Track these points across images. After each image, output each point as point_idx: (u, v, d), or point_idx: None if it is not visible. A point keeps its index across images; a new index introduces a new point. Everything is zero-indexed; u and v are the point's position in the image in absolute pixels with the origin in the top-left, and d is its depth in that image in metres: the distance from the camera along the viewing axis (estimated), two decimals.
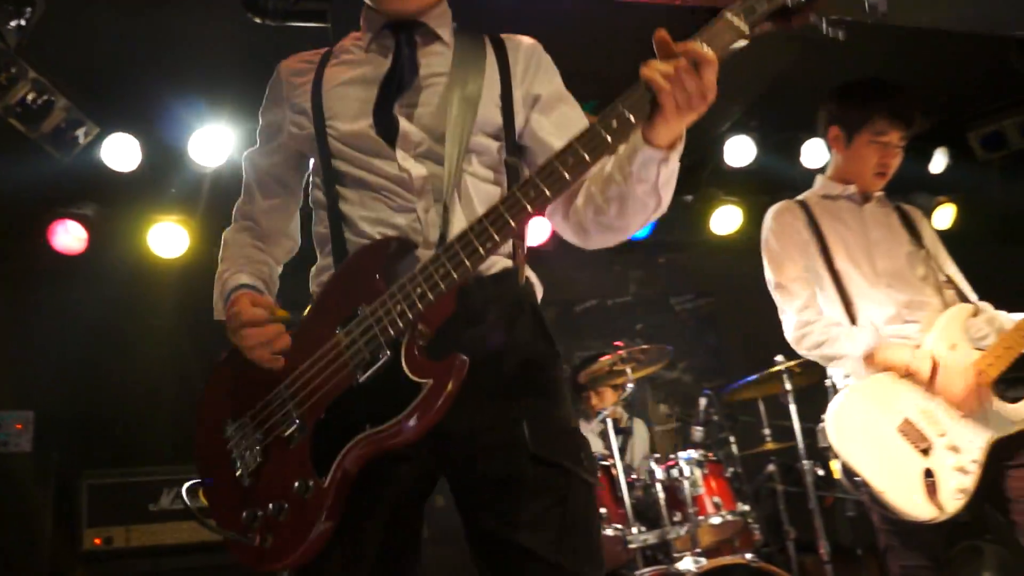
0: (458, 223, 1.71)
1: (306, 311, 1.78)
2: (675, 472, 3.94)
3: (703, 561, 3.59)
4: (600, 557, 1.68)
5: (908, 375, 2.70)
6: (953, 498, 2.51)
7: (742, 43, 1.53)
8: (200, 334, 5.44)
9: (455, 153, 1.74)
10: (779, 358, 4.26)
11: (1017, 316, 2.78)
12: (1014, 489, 2.59)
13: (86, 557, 4.35)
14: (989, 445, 2.57)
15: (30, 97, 4.18)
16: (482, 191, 1.81)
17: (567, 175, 1.51)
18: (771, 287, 3.00)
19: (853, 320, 2.85)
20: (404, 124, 1.79)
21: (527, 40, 1.96)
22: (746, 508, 3.99)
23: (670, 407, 5.26)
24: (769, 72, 4.92)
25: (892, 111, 2.95)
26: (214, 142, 4.85)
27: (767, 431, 4.76)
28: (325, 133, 1.84)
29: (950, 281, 2.94)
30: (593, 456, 1.78)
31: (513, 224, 1.53)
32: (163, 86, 4.55)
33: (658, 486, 3.93)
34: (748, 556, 3.66)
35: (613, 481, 3.96)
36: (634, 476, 4.06)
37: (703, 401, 4.39)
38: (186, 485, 1.76)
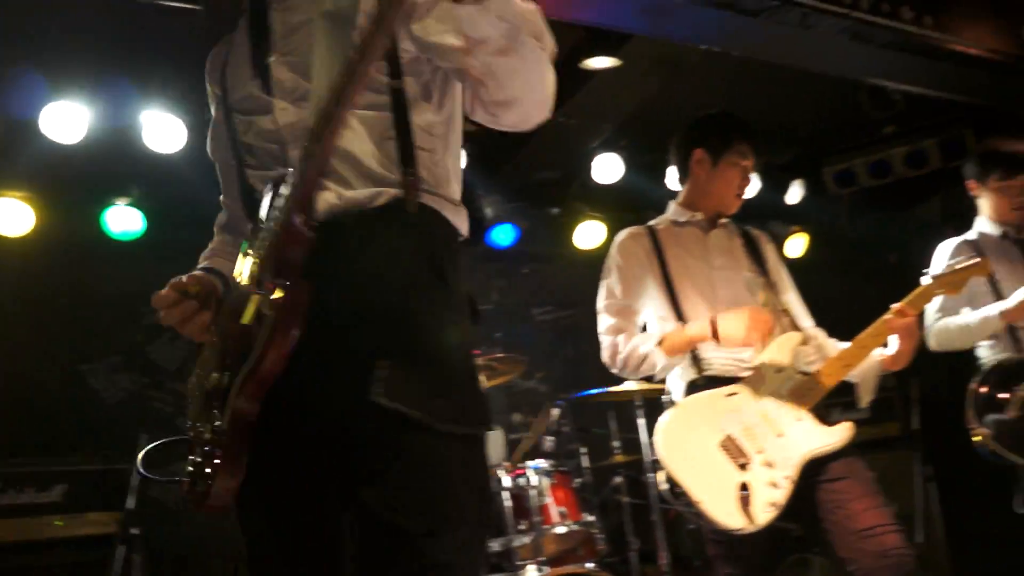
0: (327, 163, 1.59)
1: None
2: (522, 481, 3.97)
3: (546, 570, 3.63)
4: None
5: (732, 393, 2.82)
6: (763, 511, 2.61)
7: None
8: (40, 318, 5.18)
9: (325, 87, 1.56)
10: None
11: (842, 345, 2.93)
12: (824, 502, 2.71)
13: None
14: (803, 462, 2.70)
15: None
16: (369, 121, 1.68)
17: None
18: (600, 307, 3.10)
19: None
20: (277, 71, 1.73)
21: None
22: (591, 519, 4.07)
23: (525, 416, 5.30)
24: (639, 93, 5.04)
25: (751, 138, 3.13)
26: (68, 117, 4.61)
27: (616, 443, 4.86)
28: (230, 111, 1.81)
29: (787, 310, 3.07)
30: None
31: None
32: (14, 56, 4.30)
33: (505, 494, 3.95)
34: (589, 565, 3.72)
35: None
36: None
37: (554, 412, 4.44)
38: None
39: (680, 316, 2.97)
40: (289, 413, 1.60)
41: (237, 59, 1.84)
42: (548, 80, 1.66)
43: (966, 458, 3.63)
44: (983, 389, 3.56)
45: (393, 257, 1.64)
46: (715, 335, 2.79)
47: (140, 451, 4.12)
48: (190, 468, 1.67)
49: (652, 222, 3.21)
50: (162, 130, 4.72)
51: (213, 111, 1.93)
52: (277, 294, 1.51)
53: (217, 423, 1.59)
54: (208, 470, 1.59)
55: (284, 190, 1.57)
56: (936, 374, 3.89)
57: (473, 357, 1.75)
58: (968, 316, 3.63)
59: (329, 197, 1.63)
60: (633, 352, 2.93)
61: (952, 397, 3.70)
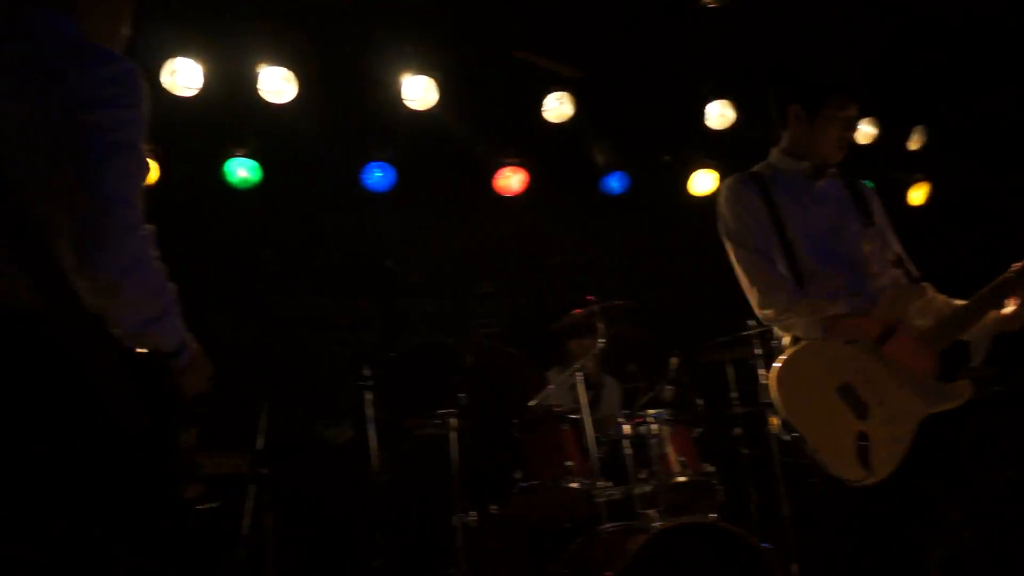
0: None
1: None
2: (643, 429, 3.93)
3: (666, 519, 3.58)
4: None
5: (858, 339, 2.71)
6: (883, 463, 2.53)
7: None
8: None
9: None
10: (751, 323, 4.25)
11: (955, 302, 2.81)
12: (947, 461, 2.65)
13: None
14: (923, 417, 2.61)
15: None
16: None
17: None
18: (733, 260, 2.98)
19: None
20: None
21: None
22: (711, 469, 4.00)
23: (639, 366, 5.23)
24: (757, 34, 4.88)
25: (850, 87, 2.96)
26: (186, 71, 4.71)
27: (734, 394, 4.77)
28: None
29: (899, 260, 2.94)
30: None
31: None
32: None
33: (626, 442, 3.92)
34: (712, 516, 3.65)
35: (581, 435, 3.94)
36: (603, 431, 4.05)
37: (674, 361, 4.37)
38: None
39: (793, 264, 2.86)
40: None
41: None
42: None
43: None
44: None
45: None
46: (882, 338, 2.68)
47: (265, 395, 4.23)
48: None
49: (756, 168, 3.09)
50: (275, 82, 4.79)
51: None
52: None
53: None
54: None
55: None
56: None
57: None
58: None
59: None
60: (789, 317, 2.81)
61: None
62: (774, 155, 3.10)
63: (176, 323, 1.85)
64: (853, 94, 2.95)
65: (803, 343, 2.77)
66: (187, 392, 1.87)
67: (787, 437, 2.65)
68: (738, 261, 2.94)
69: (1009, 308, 2.71)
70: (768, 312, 2.86)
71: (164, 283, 1.84)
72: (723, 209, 3.01)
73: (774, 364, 2.73)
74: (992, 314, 2.74)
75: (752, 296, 2.91)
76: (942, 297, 2.92)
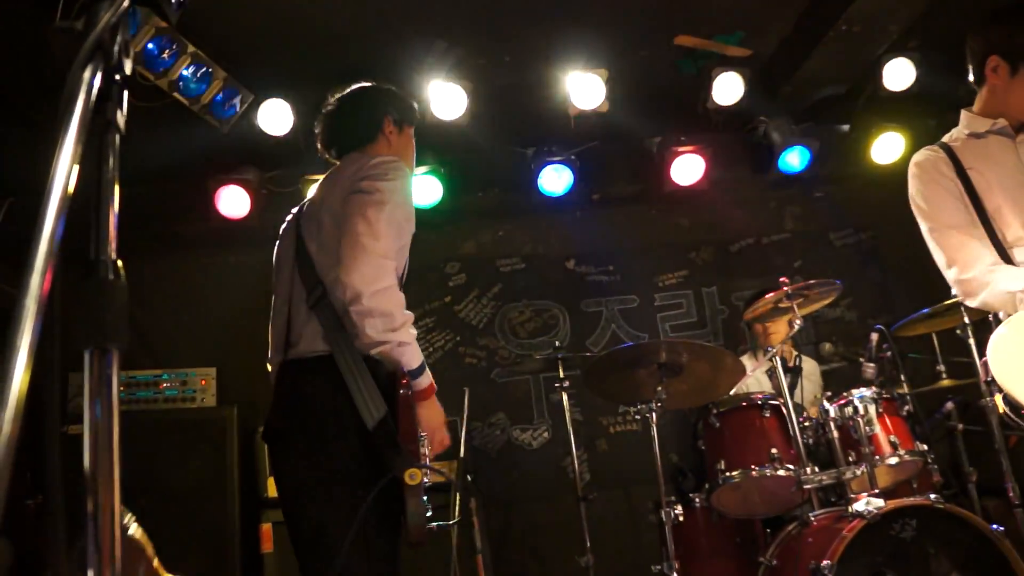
0: None
1: None
2: (848, 411, 3.81)
3: (881, 503, 3.45)
4: None
5: None
6: None
7: None
8: None
9: None
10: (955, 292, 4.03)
11: None
12: None
13: (270, 503, 4.59)
14: None
15: (190, 71, 4.35)
16: None
17: None
18: (927, 238, 2.85)
19: (1009, 263, 2.69)
20: None
21: None
22: (924, 448, 3.83)
23: (835, 345, 5.07)
24: None
25: None
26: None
27: (942, 367, 4.54)
28: None
29: None
30: None
31: None
32: (311, 50, 4.65)
33: (831, 425, 3.82)
34: (933, 496, 3.50)
35: (783, 421, 3.87)
36: (805, 415, 3.96)
37: (875, 337, 4.21)
38: None
39: (996, 239, 2.71)
40: None
41: None
42: None
43: None
44: None
45: None
46: None
47: (463, 403, 4.40)
48: None
49: (946, 138, 2.94)
50: (446, 98, 4.93)
51: None
52: None
53: None
54: None
55: None
56: None
57: None
58: None
59: None
60: (991, 289, 2.67)
61: None
62: (965, 118, 2.94)
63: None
64: None
65: (1017, 314, 2.61)
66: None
67: (1010, 413, 2.53)
68: (932, 239, 2.83)
69: None
70: (965, 289, 2.74)
71: None
72: (913, 187, 2.90)
73: (991, 339, 2.57)
74: None
75: (949, 275, 2.79)
76: None
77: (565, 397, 4.61)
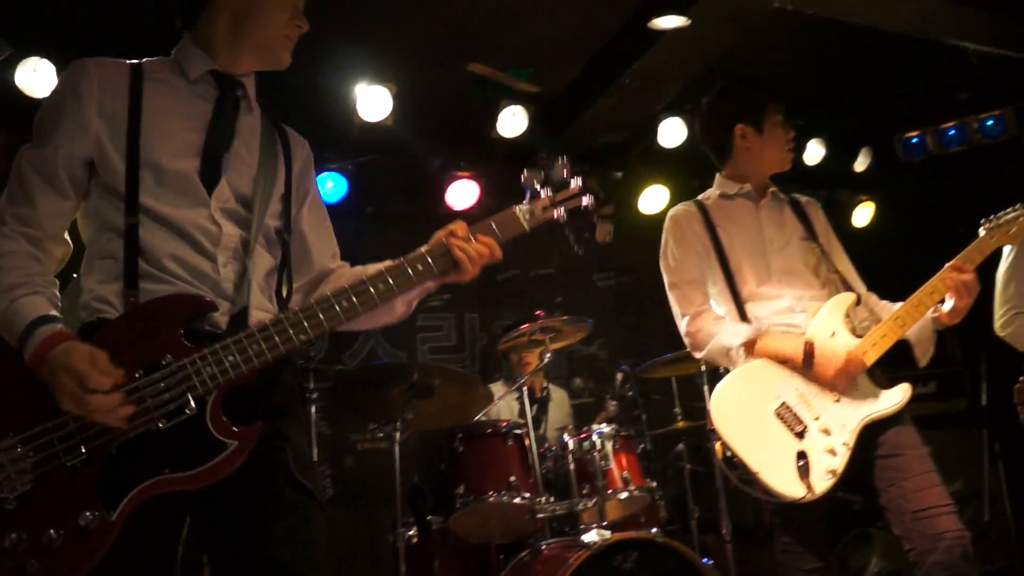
0: (247, 286, 1.89)
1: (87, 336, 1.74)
2: (586, 445, 3.95)
3: (608, 534, 3.60)
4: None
5: (786, 361, 2.78)
6: (822, 479, 2.59)
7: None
8: None
9: (255, 222, 1.94)
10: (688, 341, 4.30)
11: (896, 305, 2.87)
12: (880, 479, 2.68)
13: None
14: (861, 427, 2.66)
15: None
16: (266, 262, 1.99)
17: (376, 297, 1.87)
18: (667, 288, 3.07)
19: (744, 318, 2.93)
20: (224, 178, 1.92)
21: (303, 140, 2.20)
22: (653, 485, 4.04)
23: (586, 381, 5.27)
24: (706, 55, 4.93)
25: (775, 91, 3.12)
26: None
27: (679, 410, 4.82)
28: (139, 158, 1.85)
29: (838, 274, 3.01)
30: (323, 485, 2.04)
31: (326, 326, 1.82)
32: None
33: (569, 457, 3.94)
34: (653, 531, 3.69)
35: (524, 450, 3.95)
36: (547, 446, 4.07)
37: (619, 376, 4.41)
38: None
39: (735, 291, 2.95)
40: None
41: (169, 119, 1.96)
42: None
43: None
44: None
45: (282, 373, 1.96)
46: (807, 360, 2.73)
47: None
48: (17, 546, 1.66)
49: (701, 196, 3.18)
50: None
51: (89, 124, 1.90)
52: (231, 431, 1.80)
53: (95, 512, 1.69)
54: None
55: None
56: (1005, 349, 3.76)
57: None
58: None
59: None
60: (714, 342, 2.89)
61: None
62: (718, 180, 3.19)
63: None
64: (781, 102, 3.08)
65: (740, 367, 2.84)
66: None
67: (729, 459, 2.71)
68: (671, 293, 3.05)
69: (948, 305, 2.79)
70: (692, 341, 2.98)
71: None
72: (664, 239, 3.11)
73: (714, 391, 2.81)
74: (930, 314, 2.81)
75: (681, 327, 3.02)
76: (883, 303, 3.00)
77: (313, 410, 4.48)
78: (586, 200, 2.08)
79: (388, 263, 1.95)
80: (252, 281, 1.91)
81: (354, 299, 1.85)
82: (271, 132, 2.09)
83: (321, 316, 1.82)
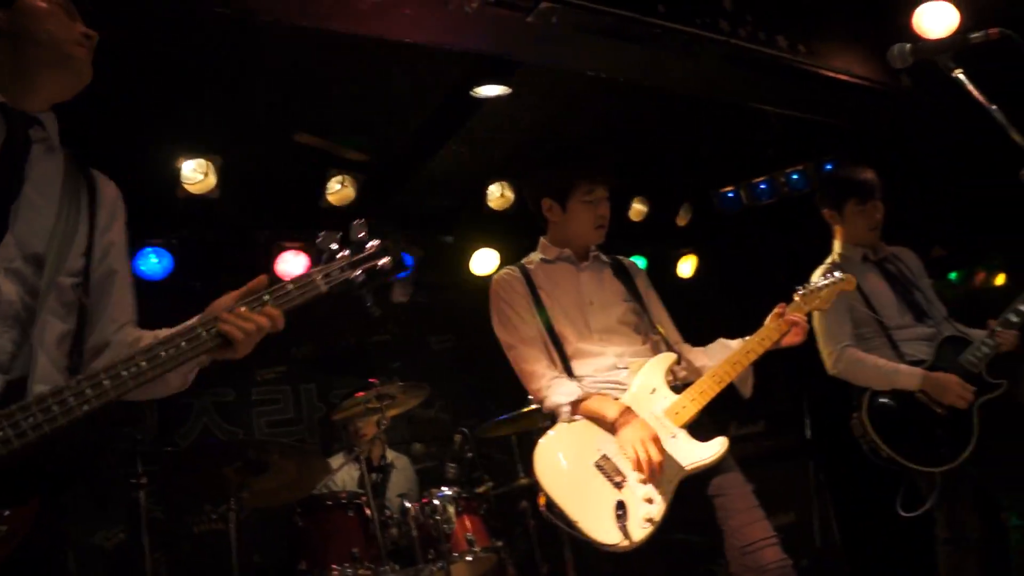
0: (27, 355, 1.73)
1: None
2: (428, 509, 3.94)
3: None
4: None
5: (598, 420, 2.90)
6: (639, 527, 2.67)
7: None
8: None
9: (45, 283, 1.77)
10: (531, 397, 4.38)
11: (712, 363, 3.05)
12: (714, 519, 2.82)
13: None
14: (680, 478, 2.78)
15: None
16: (56, 328, 1.82)
17: (160, 367, 1.74)
18: (505, 349, 3.16)
19: (571, 374, 3.05)
20: (10, 232, 1.75)
21: (113, 186, 2.07)
22: (500, 544, 4.05)
23: (427, 445, 5.25)
24: (530, 121, 5.10)
25: (593, 173, 3.21)
26: None
27: (520, 467, 4.86)
28: None
29: (658, 331, 3.19)
30: None
31: (112, 395, 1.67)
32: None
33: (412, 524, 3.91)
34: None
35: (366, 520, 3.90)
36: (388, 514, 4.02)
37: (458, 438, 4.43)
38: None
39: (559, 349, 3.07)
40: None
41: None
42: None
43: (856, 464, 3.77)
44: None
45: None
46: (619, 424, 2.82)
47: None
48: None
49: (524, 260, 3.31)
50: None
51: None
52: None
53: None
54: None
55: None
56: (826, 387, 4.03)
57: None
58: (887, 363, 3.65)
59: None
60: (546, 399, 3.00)
61: (841, 407, 3.81)
62: (541, 245, 3.33)
63: None
64: (597, 179, 3.19)
65: (564, 423, 2.95)
66: None
67: (549, 511, 2.78)
68: (510, 354, 3.14)
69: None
70: (536, 398, 3.09)
71: None
72: (492, 303, 3.21)
73: (537, 444, 2.89)
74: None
75: (525, 385, 3.11)
76: (696, 349, 3.20)
77: (143, 495, 4.27)
78: (382, 261, 2.04)
79: (167, 331, 1.85)
80: (37, 350, 1.76)
81: (143, 364, 1.73)
82: (76, 177, 1.93)
83: (106, 383, 1.68)
